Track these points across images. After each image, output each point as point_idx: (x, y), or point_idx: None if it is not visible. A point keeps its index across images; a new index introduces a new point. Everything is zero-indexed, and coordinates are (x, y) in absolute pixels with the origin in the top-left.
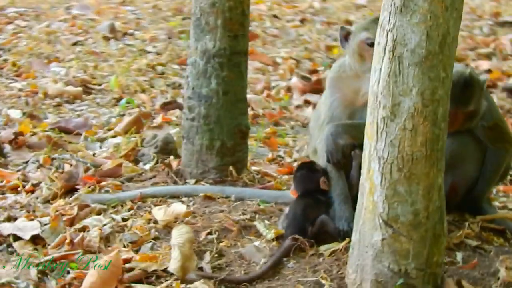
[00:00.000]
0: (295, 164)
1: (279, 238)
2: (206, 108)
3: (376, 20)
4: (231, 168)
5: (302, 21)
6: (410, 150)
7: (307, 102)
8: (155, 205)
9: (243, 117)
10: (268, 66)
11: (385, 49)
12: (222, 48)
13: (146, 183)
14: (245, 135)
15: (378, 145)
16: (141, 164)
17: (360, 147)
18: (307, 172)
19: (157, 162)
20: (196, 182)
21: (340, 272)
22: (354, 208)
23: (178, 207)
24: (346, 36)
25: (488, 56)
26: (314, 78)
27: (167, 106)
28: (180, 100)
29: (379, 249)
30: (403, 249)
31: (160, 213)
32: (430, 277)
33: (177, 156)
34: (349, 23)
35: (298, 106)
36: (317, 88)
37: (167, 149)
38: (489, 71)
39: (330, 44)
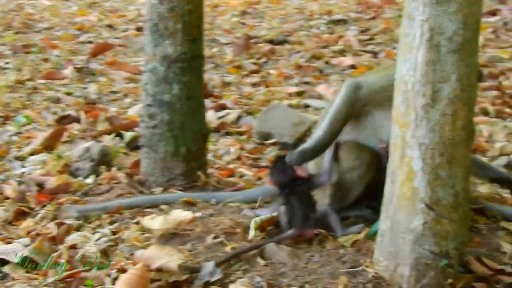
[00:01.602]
0: (230, 166)
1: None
2: (170, 115)
3: None
4: (199, 172)
5: (138, 29)
6: (451, 135)
7: None
8: (139, 216)
9: (203, 121)
10: (136, 75)
11: (421, 38)
12: (183, 53)
13: (108, 196)
14: (206, 138)
15: (417, 132)
16: (80, 178)
17: None
18: (283, 164)
19: (97, 175)
20: (164, 190)
21: (367, 261)
22: None
23: (182, 214)
24: None
25: (341, 53)
26: None
27: (63, 120)
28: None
29: (420, 233)
30: (444, 230)
31: (155, 222)
32: (461, 256)
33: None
34: None
35: None
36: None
37: (104, 161)
38: (352, 66)
39: None
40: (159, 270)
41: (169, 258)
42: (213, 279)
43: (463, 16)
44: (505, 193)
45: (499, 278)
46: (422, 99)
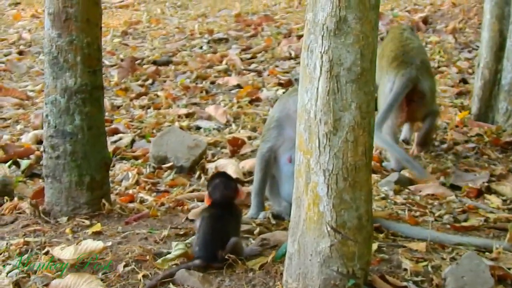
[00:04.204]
0: (130, 192)
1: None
2: (72, 145)
3: None
4: (103, 201)
5: (21, 53)
6: (353, 160)
7: None
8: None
9: (105, 150)
10: (24, 101)
11: (321, 69)
12: (83, 84)
13: (15, 227)
14: (109, 167)
15: (321, 159)
16: None
17: None
18: (225, 179)
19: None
20: (68, 220)
21: (276, 283)
22: None
23: (93, 244)
24: None
25: (226, 72)
26: None
27: None
28: None
29: (327, 255)
30: (350, 252)
31: (66, 252)
32: (366, 276)
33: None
34: None
35: None
36: None
37: (5, 191)
38: (238, 86)
39: None
40: None
41: (88, 285)
42: None
43: (360, 47)
44: (401, 210)
45: None
46: (324, 127)
